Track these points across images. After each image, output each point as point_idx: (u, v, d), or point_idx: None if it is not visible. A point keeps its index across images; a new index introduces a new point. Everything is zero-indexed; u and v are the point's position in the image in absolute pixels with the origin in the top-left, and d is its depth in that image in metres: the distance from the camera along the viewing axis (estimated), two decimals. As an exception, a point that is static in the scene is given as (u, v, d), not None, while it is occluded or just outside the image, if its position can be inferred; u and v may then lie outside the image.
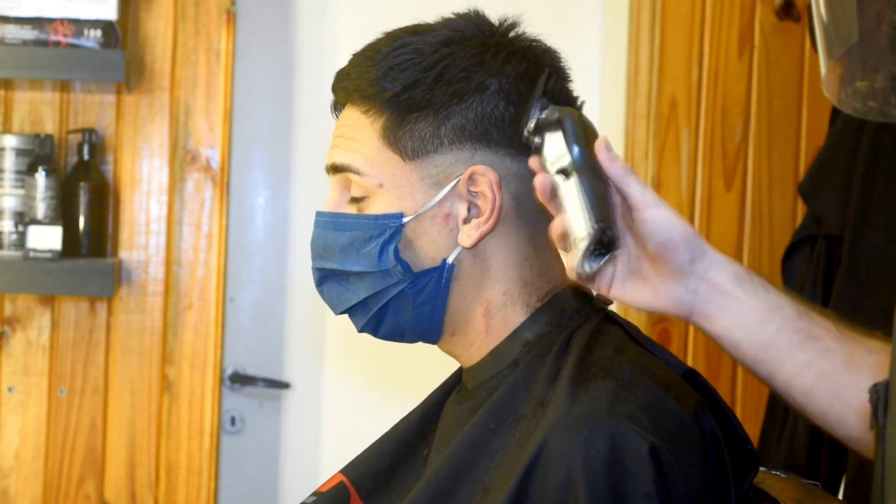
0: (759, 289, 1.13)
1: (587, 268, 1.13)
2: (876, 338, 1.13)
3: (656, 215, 1.13)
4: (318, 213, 1.30)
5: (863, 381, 1.08)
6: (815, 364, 1.11)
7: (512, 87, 1.25)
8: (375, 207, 1.26)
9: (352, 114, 1.29)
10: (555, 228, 1.16)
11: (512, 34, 1.29)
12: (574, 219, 1.14)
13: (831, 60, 1.00)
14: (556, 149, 1.17)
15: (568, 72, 1.30)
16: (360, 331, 1.32)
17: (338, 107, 1.32)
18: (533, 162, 1.20)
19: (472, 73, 1.25)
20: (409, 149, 1.25)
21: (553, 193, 1.16)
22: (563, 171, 1.15)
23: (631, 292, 1.16)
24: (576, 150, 1.15)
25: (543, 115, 1.19)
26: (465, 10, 1.30)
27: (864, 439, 1.11)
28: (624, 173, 1.14)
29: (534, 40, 1.29)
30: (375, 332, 1.31)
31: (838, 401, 1.10)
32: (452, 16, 1.29)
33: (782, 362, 1.12)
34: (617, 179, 1.14)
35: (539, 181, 1.17)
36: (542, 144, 1.18)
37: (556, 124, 1.18)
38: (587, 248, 1.12)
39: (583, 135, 1.16)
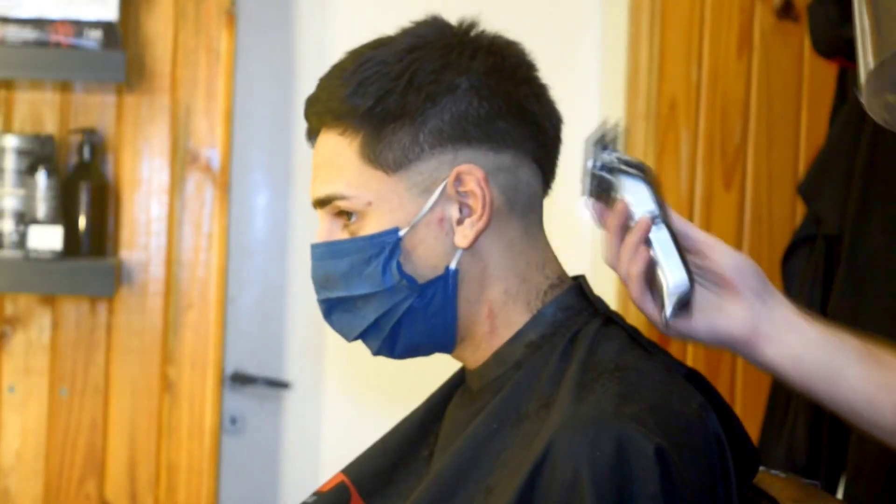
0: (813, 316, 1.21)
1: (672, 317, 1.22)
2: None
3: (725, 249, 1.22)
4: (313, 245, 1.29)
5: None
6: (873, 377, 1.18)
7: (482, 83, 1.25)
8: (369, 227, 1.26)
9: (328, 139, 1.28)
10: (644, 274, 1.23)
11: (473, 32, 1.29)
12: (667, 270, 1.22)
13: (869, 67, 1.05)
14: (638, 193, 1.24)
15: (534, 62, 1.31)
16: (376, 353, 1.30)
17: (312, 134, 1.32)
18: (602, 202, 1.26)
19: (441, 74, 1.25)
20: (390, 161, 1.25)
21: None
22: (652, 219, 1.24)
23: (700, 323, 1.23)
24: (663, 203, 1.24)
25: (618, 158, 1.25)
26: (424, 17, 1.30)
27: None
28: (687, 224, 1.23)
29: (495, 35, 1.30)
30: (391, 353, 1.30)
31: None
32: (411, 24, 1.29)
33: (843, 377, 1.19)
34: (683, 227, 1.23)
35: (642, 224, 1.23)
36: (616, 184, 1.25)
37: (637, 169, 1.25)
38: (678, 301, 1.22)
39: (658, 205, 1.25)
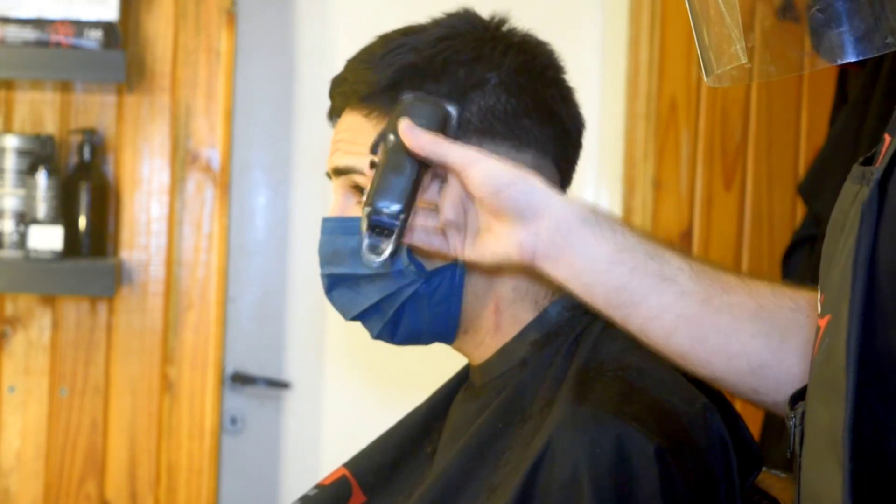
0: (605, 230, 1.07)
1: (366, 253, 1.11)
2: (730, 273, 1.10)
3: (480, 170, 1.09)
4: (325, 220, 1.29)
5: (722, 321, 1.06)
6: (671, 307, 1.06)
7: (512, 80, 1.25)
8: None
9: (351, 118, 1.28)
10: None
11: (504, 28, 1.29)
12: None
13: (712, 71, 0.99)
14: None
15: (562, 64, 1.31)
16: (376, 337, 1.30)
17: (334, 113, 1.32)
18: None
19: (472, 68, 1.25)
20: None
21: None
22: (372, 164, 1.15)
23: (479, 248, 1.11)
24: (373, 145, 1.15)
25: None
26: (456, 10, 1.30)
27: (729, 378, 1.08)
28: (434, 145, 1.10)
29: (526, 34, 1.30)
30: (392, 338, 1.29)
31: (700, 343, 1.07)
32: (443, 15, 1.29)
33: (637, 306, 1.07)
34: (433, 155, 1.10)
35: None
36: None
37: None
38: (365, 229, 1.10)
39: (392, 129, 1.14)
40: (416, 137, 1.11)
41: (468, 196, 1.11)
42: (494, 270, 1.25)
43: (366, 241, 1.11)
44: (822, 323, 0.86)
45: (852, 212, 0.84)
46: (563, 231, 1.07)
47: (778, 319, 1.07)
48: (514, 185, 1.08)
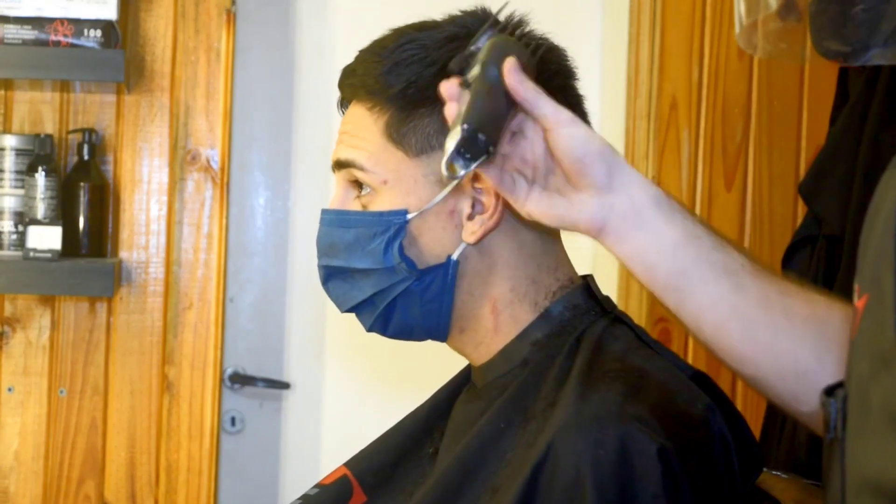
0: (677, 214, 1.08)
1: (447, 165, 1.08)
2: (787, 279, 1.11)
3: (571, 132, 1.08)
4: (324, 211, 1.30)
5: (775, 320, 1.06)
6: (728, 298, 1.06)
7: None
8: (380, 204, 1.26)
9: (357, 111, 1.29)
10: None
11: (518, 31, 1.28)
12: (454, 122, 1.09)
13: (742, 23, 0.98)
14: (473, 67, 1.12)
15: (574, 70, 1.30)
16: (369, 330, 1.32)
17: (344, 103, 1.33)
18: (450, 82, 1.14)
19: None
20: (413, 145, 1.25)
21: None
22: (466, 83, 1.11)
23: (546, 205, 1.10)
24: (478, 68, 1.11)
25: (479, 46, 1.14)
26: (473, 7, 1.30)
27: (772, 380, 1.08)
28: (535, 95, 1.09)
29: (541, 38, 1.29)
30: (384, 331, 1.31)
31: (750, 339, 1.07)
32: (459, 13, 1.29)
33: (694, 293, 1.07)
34: (528, 103, 1.09)
35: (445, 84, 1.12)
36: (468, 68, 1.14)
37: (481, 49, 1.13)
38: (454, 145, 1.07)
39: (499, 58, 1.10)
40: (521, 82, 1.09)
41: (548, 153, 1.10)
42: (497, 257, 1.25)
43: (447, 156, 1.07)
44: (860, 304, 0.86)
45: (890, 194, 0.84)
46: (637, 211, 1.07)
47: (828, 328, 1.06)
48: (601, 155, 1.08)
